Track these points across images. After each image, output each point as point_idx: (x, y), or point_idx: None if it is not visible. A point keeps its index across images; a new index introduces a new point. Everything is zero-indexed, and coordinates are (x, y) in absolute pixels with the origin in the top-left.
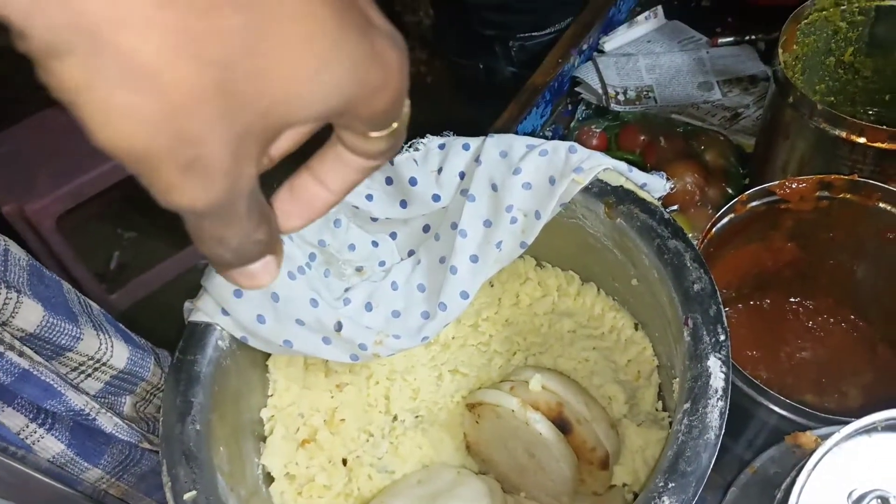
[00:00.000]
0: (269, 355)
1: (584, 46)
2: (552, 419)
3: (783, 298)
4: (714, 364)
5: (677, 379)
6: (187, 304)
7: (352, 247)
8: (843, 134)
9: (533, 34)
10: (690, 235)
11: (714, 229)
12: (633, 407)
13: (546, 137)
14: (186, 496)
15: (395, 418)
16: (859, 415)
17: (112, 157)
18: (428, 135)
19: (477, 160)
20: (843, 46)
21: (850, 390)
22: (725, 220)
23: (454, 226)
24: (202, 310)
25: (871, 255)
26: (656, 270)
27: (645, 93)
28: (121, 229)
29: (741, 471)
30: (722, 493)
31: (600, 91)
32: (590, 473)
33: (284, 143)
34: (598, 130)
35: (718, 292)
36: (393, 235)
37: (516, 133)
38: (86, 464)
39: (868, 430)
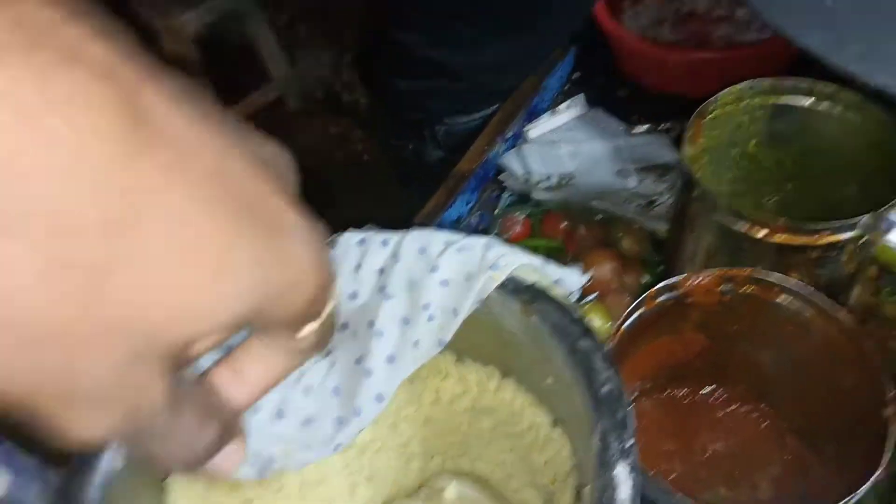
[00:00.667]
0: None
1: (510, 134)
2: None
3: (697, 389)
4: (622, 472)
5: (588, 486)
6: None
7: None
8: (745, 228)
9: (458, 119)
10: (608, 324)
11: (625, 325)
12: None
13: (472, 224)
14: None
15: None
16: None
17: None
18: (350, 229)
19: (395, 256)
20: (746, 139)
21: (762, 482)
22: (636, 315)
23: (371, 324)
24: None
25: (776, 346)
26: (569, 370)
27: (567, 180)
28: None
29: None
30: None
31: (524, 178)
32: None
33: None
34: (521, 217)
35: (625, 395)
36: None
37: (442, 220)
38: None
39: None
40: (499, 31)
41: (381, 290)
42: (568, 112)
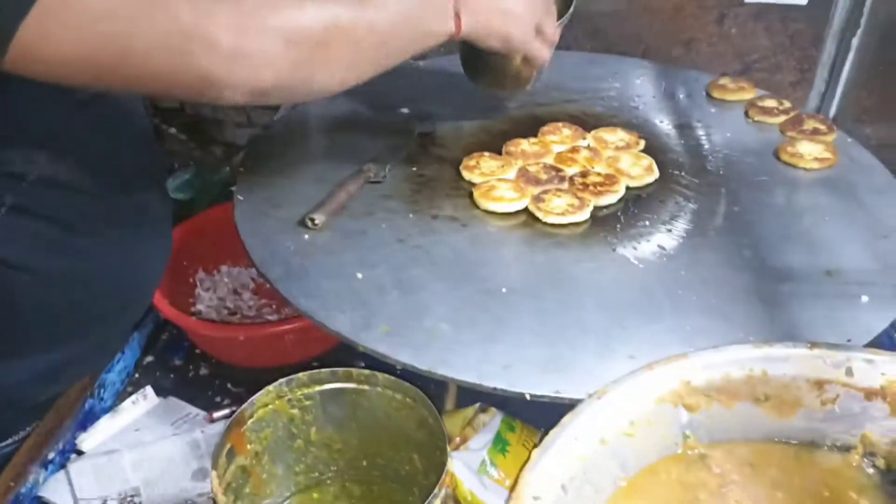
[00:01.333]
0: None
1: (52, 455)
2: None
3: None
4: None
5: None
6: None
7: None
8: None
9: None
10: None
11: None
12: None
13: None
14: None
15: None
16: None
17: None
18: None
19: None
20: (306, 429)
21: None
22: None
23: None
24: None
25: None
26: None
27: (130, 499)
28: None
29: None
30: None
31: None
32: None
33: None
34: None
35: None
36: None
37: None
38: None
39: None
40: (28, 349)
41: None
42: (134, 409)
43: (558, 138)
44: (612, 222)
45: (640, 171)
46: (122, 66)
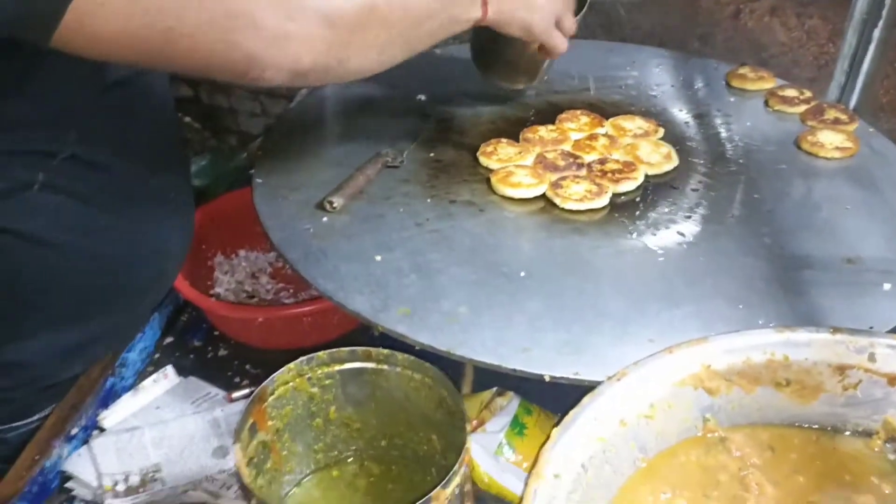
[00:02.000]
0: None
1: (75, 431)
2: None
3: None
4: None
5: None
6: None
7: None
8: None
9: (14, 425)
10: None
11: None
12: None
13: None
14: None
15: None
16: None
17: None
18: None
19: None
20: (325, 407)
21: None
22: None
23: None
24: None
25: None
26: None
27: (151, 475)
28: None
29: None
30: None
31: (95, 483)
32: None
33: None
34: None
35: None
36: None
37: None
38: None
39: None
40: (53, 325)
41: None
42: (155, 388)
43: (576, 126)
44: (631, 209)
45: (659, 158)
46: (167, 44)
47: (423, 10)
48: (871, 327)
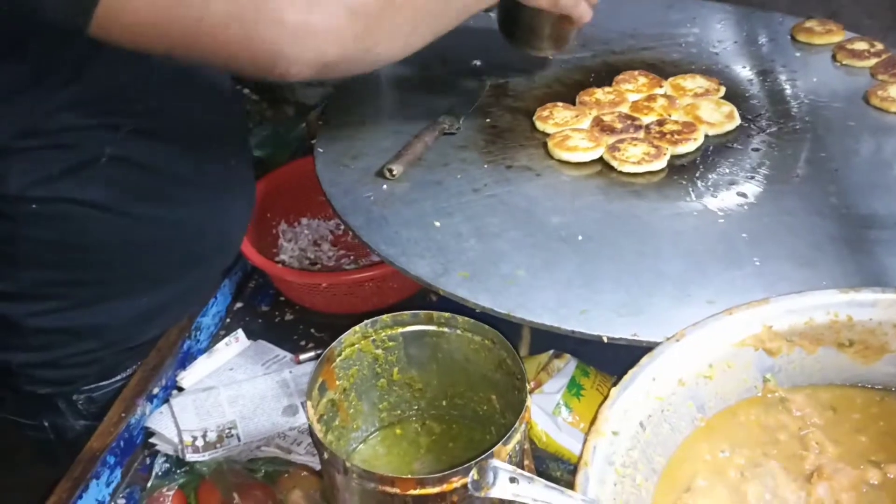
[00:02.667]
0: None
1: (156, 390)
2: None
3: None
4: None
5: None
6: None
7: None
8: (378, 487)
9: (100, 384)
10: None
11: None
12: None
13: None
14: None
15: None
16: None
17: None
18: None
19: None
20: (389, 368)
21: None
22: None
23: None
24: None
25: None
26: None
27: (227, 431)
28: None
29: None
30: None
31: (176, 439)
32: None
33: None
34: (170, 493)
35: None
36: None
37: None
38: None
39: None
40: (131, 290)
41: None
42: (227, 350)
43: (633, 87)
44: (691, 171)
45: (720, 118)
46: (192, 37)
47: None
48: None
